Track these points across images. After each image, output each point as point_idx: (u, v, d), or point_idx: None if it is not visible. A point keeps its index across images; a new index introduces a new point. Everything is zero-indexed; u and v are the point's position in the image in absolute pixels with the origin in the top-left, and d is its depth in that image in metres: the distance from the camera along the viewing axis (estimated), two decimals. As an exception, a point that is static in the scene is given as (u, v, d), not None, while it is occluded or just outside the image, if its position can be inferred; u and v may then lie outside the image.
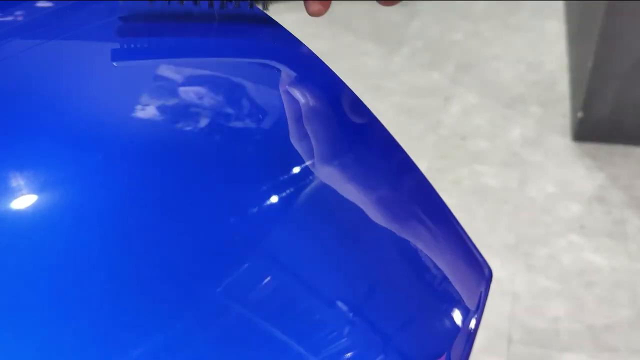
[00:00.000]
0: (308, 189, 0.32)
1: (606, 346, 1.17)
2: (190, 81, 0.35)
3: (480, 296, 0.33)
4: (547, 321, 1.23)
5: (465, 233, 0.35)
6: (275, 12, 0.40)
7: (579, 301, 1.27)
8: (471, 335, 0.31)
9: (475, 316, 0.32)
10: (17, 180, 0.28)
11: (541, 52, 2.20)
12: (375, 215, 0.33)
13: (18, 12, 0.40)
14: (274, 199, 0.31)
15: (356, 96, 0.37)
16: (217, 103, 0.34)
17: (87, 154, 0.30)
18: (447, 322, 0.31)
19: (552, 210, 1.51)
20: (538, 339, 1.20)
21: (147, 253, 0.28)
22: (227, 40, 0.39)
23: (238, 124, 0.33)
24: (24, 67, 0.35)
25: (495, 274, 0.35)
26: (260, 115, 0.34)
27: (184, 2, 0.36)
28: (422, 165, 1.70)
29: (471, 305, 0.32)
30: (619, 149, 1.69)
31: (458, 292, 0.32)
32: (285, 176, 0.32)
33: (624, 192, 1.54)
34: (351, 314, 0.29)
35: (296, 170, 0.32)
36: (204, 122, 0.32)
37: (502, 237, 1.44)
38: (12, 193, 0.28)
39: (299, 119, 0.34)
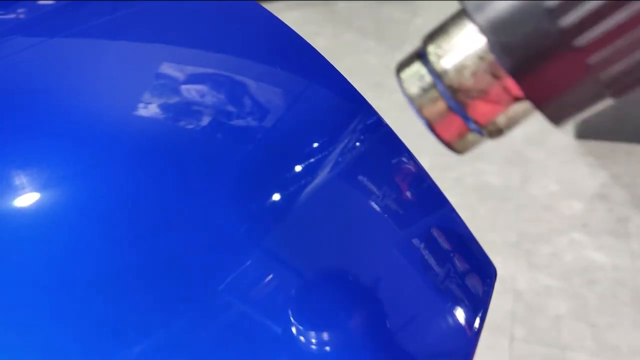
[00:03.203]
0: (312, 189, 0.31)
1: (608, 345, 1.17)
2: (191, 80, 0.35)
3: (484, 295, 0.33)
4: (549, 319, 1.23)
5: (469, 232, 0.35)
6: (276, 11, 0.40)
7: (581, 299, 1.27)
8: (476, 335, 0.31)
9: (480, 315, 0.32)
10: (19, 178, 0.28)
11: (544, 49, 2.19)
12: (379, 214, 0.32)
13: (19, 10, 0.40)
14: (277, 197, 0.30)
15: (359, 93, 0.37)
16: (218, 102, 0.34)
17: (88, 152, 0.30)
18: (452, 321, 0.31)
19: (554, 208, 1.51)
20: (540, 337, 1.20)
21: (147, 252, 0.27)
22: (228, 37, 0.39)
23: (239, 123, 0.33)
24: (25, 65, 0.35)
25: (497, 272, 0.35)
26: (261, 114, 0.34)
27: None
28: (424, 162, 1.69)
29: (476, 304, 0.32)
30: (621, 147, 1.69)
31: (462, 291, 0.32)
32: (288, 175, 0.31)
33: (626, 190, 1.54)
34: (355, 313, 0.29)
35: (299, 169, 0.32)
36: (205, 121, 0.32)
37: (504, 235, 1.44)
38: (14, 191, 0.28)
39: (300, 117, 0.34)
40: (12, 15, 0.39)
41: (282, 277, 0.28)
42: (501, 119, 0.24)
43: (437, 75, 0.24)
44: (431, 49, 0.24)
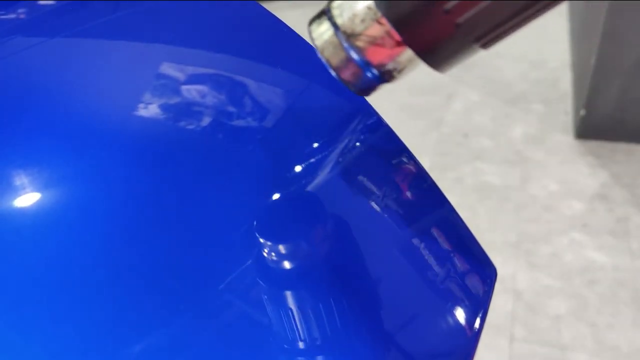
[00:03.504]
0: (312, 189, 0.31)
1: (608, 345, 1.17)
2: (191, 80, 0.35)
3: (484, 295, 0.33)
4: (549, 319, 1.23)
5: (470, 232, 0.35)
6: (276, 10, 0.40)
7: (581, 299, 1.27)
8: (476, 335, 0.31)
9: (480, 315, 0.32)
10: (20, 178, 0.28)
11: (544, 49, 2.20)
12: (379, 214, 0.32)
13: (20, 10, 0.40)
14: (277, 197, 0.30)
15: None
16: (218, 102, 0.34)
17: (89, 152, 0.30)
18: (452, 322, 0.31)
19: (554, 208, 1.51)
20: (540, 338, 1.20)
21: (148, 251, 0.27)
22: (228, 37, 0.39)
23: (239, 123, 0.33)
24: (26, 65, 0.35)
25: (497, 272, 0.35)
26: (262, 114, 0.34)
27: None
28: (424, 162, 1.69)
29: (476, 304, 0.32)
30: (621, 147, 1.69)
31: (463, 292, 0.32)
32: (289, 175, 0.31)
33: (626, 190, 1.54)
34: (355, 313, 0.29)
35: (299, 169, 0.32)
36: (205, 121, 0.32)
37: (504, 235, 1.44)
38: (15, 191, 0.28)
39: (301, 117, 0.34)
40: (12, 15, 0.39)
41: (282, 277, 0.28)
42: (389, 62, 0.29)
43: (336, 25, 0.28)
44: (333, 4, 0.29)
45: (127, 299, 0.26)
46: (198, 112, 0.33)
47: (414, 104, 1.95)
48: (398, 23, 0.27)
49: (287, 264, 0.29)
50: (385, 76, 0.30)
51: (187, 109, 0.33)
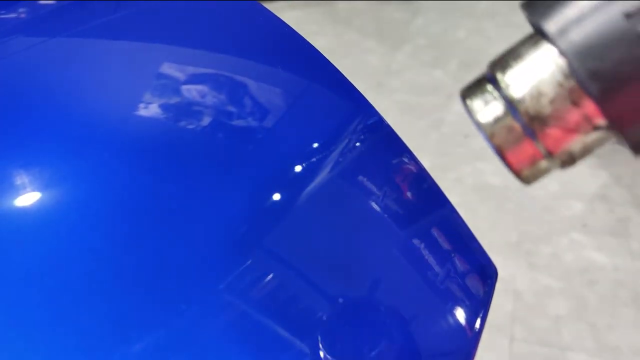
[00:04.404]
0: (312, 189, 0.31)
1: (608, 345, 1.17)
2: (191, 80, 0.35)
3: (485, 295, 0.33)
4: (549, 320, 1.23)
5: (470, 232, 0.35)
6: (276, 10, 0.40)
7: (581, 300, 1.27)
8: (476, 335, 0.31)
9: (481, 316, 0.32)
10: (21, 178, 0.28)
11: (544, 49, 2.19)
12: (380, 214, 0.32)
13: (20, 10, 0.40)
14: (278, 197, 0.30)
15: (360, 93, 0.37)
16: (219, 102, 0.34)
17: (89, 152, 0.30)
18: (452, 322, 0.31)
19: (555, 208, 1.51)
20: (540, 338, 1.20)
21: (148, 251, 0.27)
22: (228, 37, 0.39)
23: (240, 123, 0.33)
24: (26, 66, 0.35)
25: (498, 272, 0.35)
26: (262, 114, 0.34)
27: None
28: (425, 163, 1.69)
29: (476, 304, 0.32)
30: (621, 147, 1.68)
31: (463, 292, 0.32)
32: (289, 175, 0.31)
33: (626, 191, 1.54)
34: (355, 313, 0.29)
35: (299, 169, 0.32)
36: (205, 121, 0.32)
37: (504, 235, 1.44)
38: (15, 191, 0.28)
39: (301, 117, 0.34)
40: (12, 15, 0.39)
41: (282, 277, 0.28)
42: (577, 148, 0.23)
43: (511, 103, 0.23)
44: (503, 74, 0.23)
45: (126, 300, 0.26)
46: (198, 112, 0.33)
47: (415, 104, 1.94)
48: (611, 105, 0.21)
49: (284, 266, 0.29)
50: (567, 163, 0.24)
51: (187, 109, 0.33)
